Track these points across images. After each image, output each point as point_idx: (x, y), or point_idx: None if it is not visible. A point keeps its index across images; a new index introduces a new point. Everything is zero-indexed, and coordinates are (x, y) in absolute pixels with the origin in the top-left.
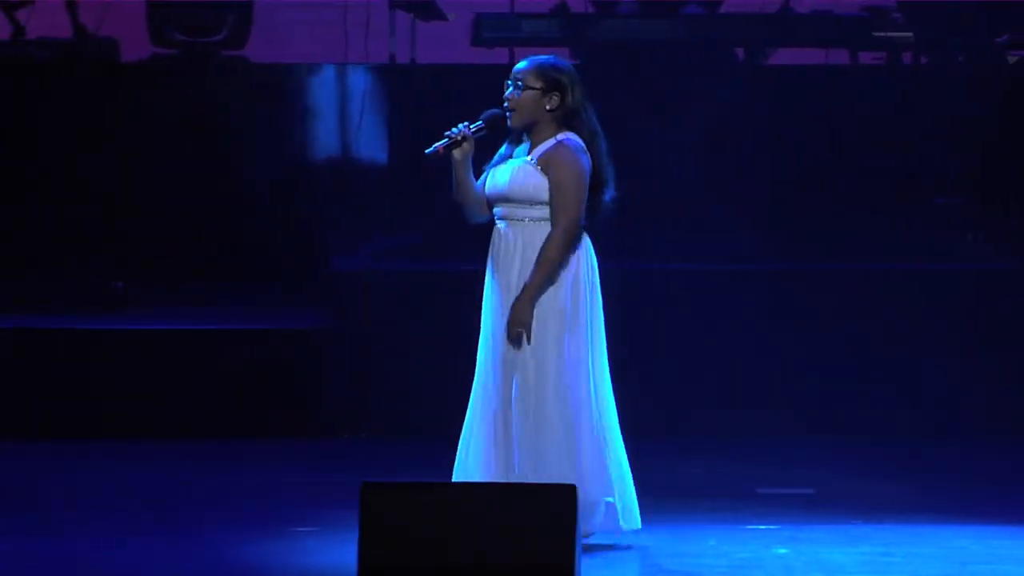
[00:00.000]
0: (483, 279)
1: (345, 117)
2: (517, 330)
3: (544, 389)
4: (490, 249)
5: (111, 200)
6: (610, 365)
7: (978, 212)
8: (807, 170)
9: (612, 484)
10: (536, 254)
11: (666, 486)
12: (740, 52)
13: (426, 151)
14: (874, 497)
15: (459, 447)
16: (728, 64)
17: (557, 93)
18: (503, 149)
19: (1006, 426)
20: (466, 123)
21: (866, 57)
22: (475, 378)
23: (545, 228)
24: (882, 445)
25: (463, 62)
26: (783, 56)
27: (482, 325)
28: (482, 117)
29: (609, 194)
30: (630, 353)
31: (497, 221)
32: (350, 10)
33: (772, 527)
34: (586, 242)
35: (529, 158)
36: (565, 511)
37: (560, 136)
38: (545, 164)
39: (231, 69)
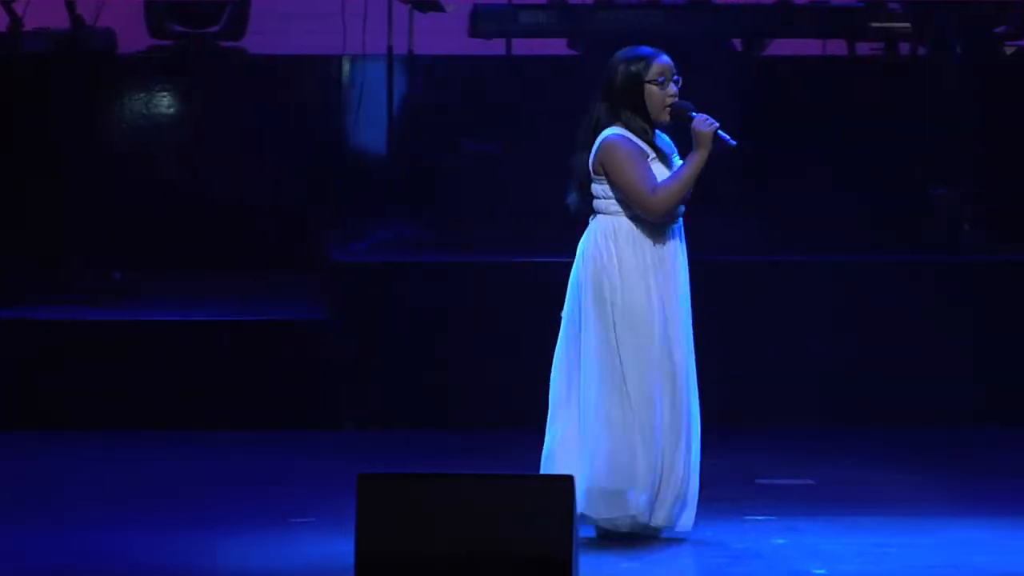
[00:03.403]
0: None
1: (342, 110)
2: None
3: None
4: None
5: (109, 191)
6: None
7: (972, 203)
8: (802, 161)
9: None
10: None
11: None
12: (738, 43)
13: (733, 142)
14: (875, 488)
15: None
16: (727, 55)
17: None
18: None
19: (1009, 412)
20: (706, 116)
21: (863, 48)
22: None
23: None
24: (885, 435)
25: (461, 53)
26: (781, 47)
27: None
28: (686, 106)
29: None
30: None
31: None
32: (348, 2)
33: (771, 518)
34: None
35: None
36: (563, 502)
37: None
38: None
39: (228, 61)
